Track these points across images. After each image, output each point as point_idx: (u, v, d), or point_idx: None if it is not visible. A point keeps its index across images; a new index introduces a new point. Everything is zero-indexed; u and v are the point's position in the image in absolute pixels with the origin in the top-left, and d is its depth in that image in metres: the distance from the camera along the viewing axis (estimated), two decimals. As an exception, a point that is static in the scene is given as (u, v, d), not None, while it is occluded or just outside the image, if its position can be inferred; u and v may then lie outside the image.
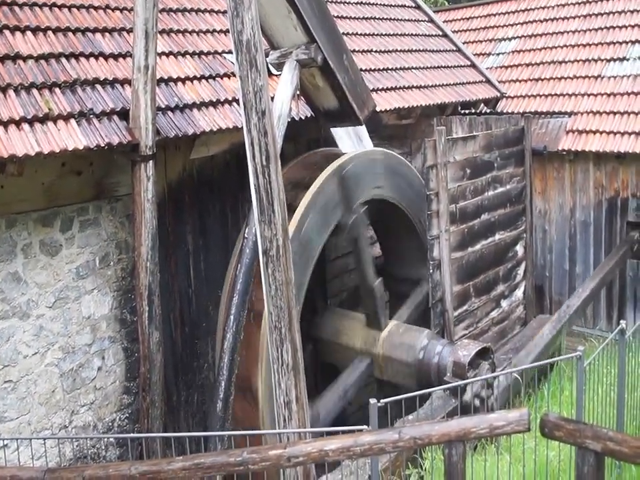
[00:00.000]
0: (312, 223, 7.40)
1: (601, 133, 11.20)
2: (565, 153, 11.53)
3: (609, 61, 12.10)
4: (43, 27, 6.83)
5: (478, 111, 12.50)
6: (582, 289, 10.43)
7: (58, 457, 6.51)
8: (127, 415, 7.40)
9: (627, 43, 12.13)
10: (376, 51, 10.80)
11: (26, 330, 6.48)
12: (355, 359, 8.48)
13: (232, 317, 6.63)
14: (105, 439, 7.17)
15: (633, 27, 12.28)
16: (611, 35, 12.44)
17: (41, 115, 6.07)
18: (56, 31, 6.93)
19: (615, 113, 11.29)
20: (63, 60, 6.71)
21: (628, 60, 11.85)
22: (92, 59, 6.98)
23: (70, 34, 7.04)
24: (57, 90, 6.41)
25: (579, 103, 11.85)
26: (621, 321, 6.66)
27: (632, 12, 12.50)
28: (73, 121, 6.28)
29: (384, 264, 9.57)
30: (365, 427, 4.93)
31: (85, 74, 6.73)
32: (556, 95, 12.27)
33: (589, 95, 11.85)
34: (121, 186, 7.14)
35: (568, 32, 13.12)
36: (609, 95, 11.59)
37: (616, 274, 11.07)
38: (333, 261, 9.78)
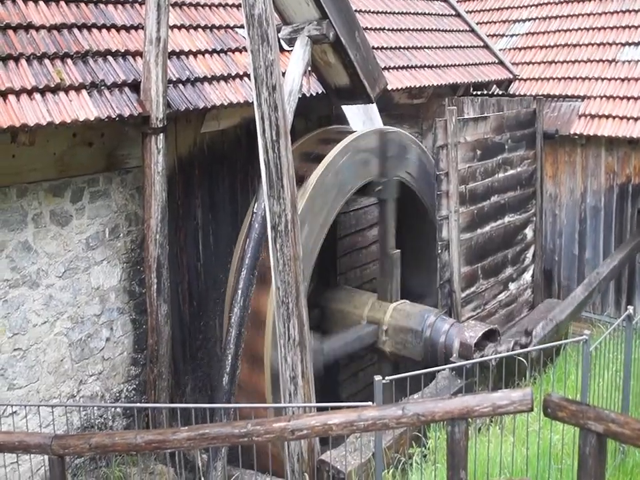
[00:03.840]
0: (346, 165, 7.75)
1: (614, 117, 11.08)
2: (576, 137, 11.43)
3: (624, 45, 11.93)
4: (55, -3, 6.81)
5: (490, 93, 12.42)
6: (610, 259, 10.39)
7: (65, 425, 6.58)
8: (134, 386, 7.47)
9: (643, 27, 11.98)
10: (388, 29, 10.71)
11: (36, 299, 6.53)
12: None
13: (240, 291, 6.67)
14: (112, 409, 7.24)
15: (649, 10, 12.13)
16: (627, 19, 12.26)
17: (53, 85, 6.07)
18: (68, 1, 6.91)
19: (628, 98, 11.15)
20: (75, 30, 6.70)
21: (644, 44, 11.71)
22: (104, 30, 6.97)
23: (82, 5, 7.02)
24: (69, 60, 6.41)
25: (592, 86, 11.73)
26: (629, 307, 6.65)
27: (649, -5, 12.33)
28: (84, 91, 6.29)
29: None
30: (369, 402, 4.97)
31: (96, 45, 6.73)
32: (569, 78, 12.13)
33: (602, 79, 11.71)
34: (131, 158, 7.15)
35: (583, 15, 12.94)
36: (622, 80, 11.45)
37: (628, 261, 11.01)
38: (342, 239, 9.79)
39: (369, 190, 8.34)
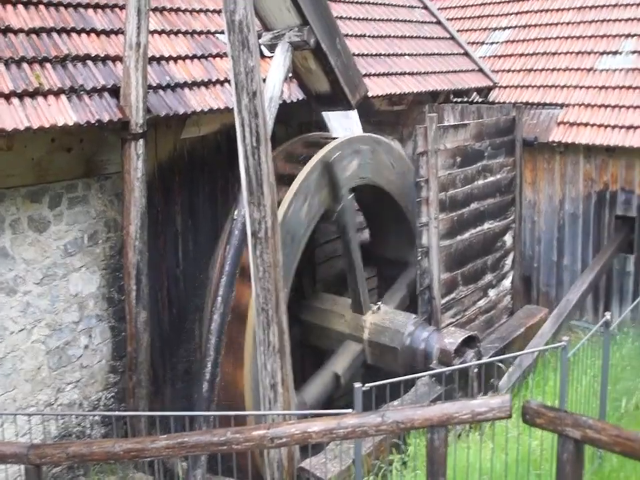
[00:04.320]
0: (297, 210, 7.40)
1: (592, 125, 11.21)
2: (555, 144, 11.54)
3: (601, 54, 12.08)
4: (34, 1, 6.78)
5: (470, 100, 12.50)
6: (580, 282, 10.48)
7: (43, 434, 6.51)
8: (113, 394, 7.41)
9: (620, 36, 12.10)
10: (369, 36, 10.76)
11: (13, 306, 6.46)
12: (343, 342, 8.52)
13: (220, 298, 6.63)
14: (90, 417, 7.18)
15: (626, 20, 12.24)
16: (605, 28, 12.42)
17: (31, 90, 6.03)
18: (48, 5, 6.88)
19: (606, 106, 11.29)
20: (55, 35, 6.66)
21: (621, 54, 11.83)
22: (83, 35, 6.94)
23: (62, 8, 6.98)
24: (48, 65, 6.37)
25: (571, 95, 11.85)
26: (606, 313, 6.71)
27: (626, 5, 12.45)
28: (63, 96, 6.25)
29: (373, 247, 9.59)
30: (349, 410, 4.96)
31: (76, 49, 6.69)
32: (548, 86, 12.25)
33: (580, 88, 11.84)
34: (110, 164, 7.11)
35: (562, 23, 13.09)
36: (600, 88, 11.59)
37: (608, 267, 11.14)
38: (322, 246, 9.79)
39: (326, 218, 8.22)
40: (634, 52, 11.69)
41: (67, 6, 7.04)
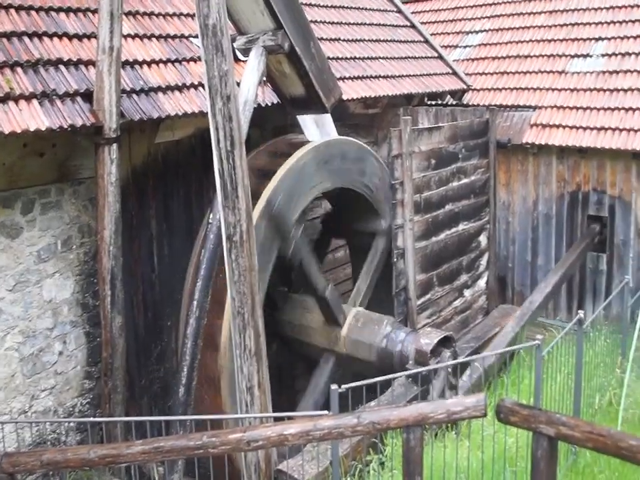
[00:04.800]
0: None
1: (564, 127, 11.36)
2: (528, 146, 11.68)
3: (572, 57, 12.25)
4: (4, 4, 6.69)
5: (444, 103, 12.60)
6: (544, 284, 10.60)
7: (16, 442, 6.44)
8: (89, 400, 7.35)
9: (590, 40, 12.29)
10: (343, 40, 10.81)
11: (-15, 313, 6.39)
12: (321, 359, 8.51)
13: (195, 302, 6.61)
14: (66, 424, 7.10)
15: (596, 24, 12.44)
16: (576, 32, 12.60)
17: (2, 95, 5.97)
18: (19, 8, 6.80)
19: (577, 108, 11.45)
20: (26, 39, 6.60)
21: (591, 57, 12.02)
22: (55, 39, 6.87)
23: (33, 12, 6.91)
24: (19, 69, 6.30)
25: (543, 97, 12.00)
26: (579, 312, 6.81)
27: (596, 9, 12.65)
28: (35, 101, 6.19)
29: (343, 219, 9.42)
30: (325, 412, 4.98)
31: (48, 54, 6.63)
32: (521, 88, 12.40)
33: (552, 90, 12.00)
34: (84, 169, 7.06)
35: (534, 27, 13.25)
36: (572, 90, 11.76)
37: (577, 267, 11.28)
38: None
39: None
40: (604, 55, 11.87)
41: (38, 10, 6.97)
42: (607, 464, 6.06)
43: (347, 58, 10.41)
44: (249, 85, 6.97)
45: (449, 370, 7.64)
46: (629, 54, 11.57)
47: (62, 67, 6.68)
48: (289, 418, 4.88)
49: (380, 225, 8.86)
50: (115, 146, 6.74)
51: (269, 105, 8.29)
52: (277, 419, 5.37)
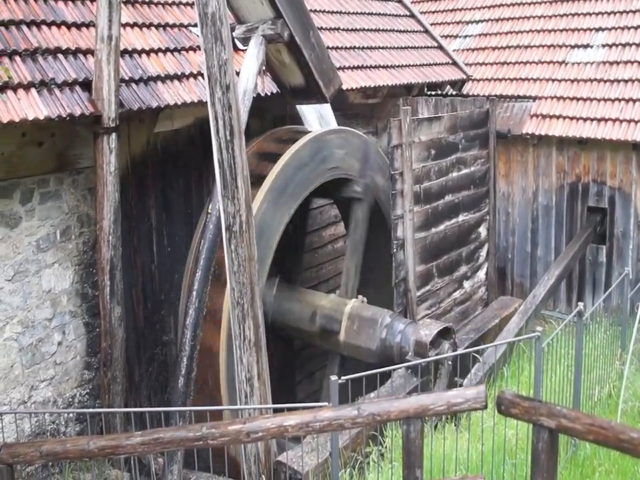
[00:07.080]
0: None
1: (564, 118, 11.32)
2: (528, 136, 11.63)
3: (573, 47, 12.19)
4: (2, -7, 6.64)
5: (444, 93, 12.55)
6: (547, 277, 10.58)
7: (16, 433, 6.43)
8: (88, 390, 7.34)
9: (591, 30, 12.21)
10: (343, 29, 10.74)
11: (-17, 304, 6.37)
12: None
13: (195, 293, 6.60)
14: (65, 415, 7.09)
15: (597, 14, 12.36)
16: (576, 22, 12.53)
17: (0, 84, 5.91)
18: (17, -3, 6.75)
19: (577, 99, 11.40)
20: (24, 27, 6.54)
21: (592, 47, 11.95)
22: (54, 28, 6.82)
23: (31, 1, 6.85)
24: (17, 58, 6.25)
25: (543, 87, 11.95)
26: (579, 303, 6.80)
27: (596, 0, 12.62)
28: (33, 90, 6.14)
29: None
30: (325, 403, 4.97)
31: (46, 43, 6.58)
32: (521, 79, 12.33)
33: (553, 80, 11.94)
34: (83, 158, 7.02)
35: (534, 17, 13.18)
36: (572, 81, 11.70)
37: (577, 259, 11.27)
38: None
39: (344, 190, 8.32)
40: (604, 45, 11.80)
41: (36, -2, 6.92)
42: (606, 456, 6.07)
43: (346, 47, 10.35)
44: (249, 75, 6.93)
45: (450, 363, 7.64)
46: (629, 44, 11.50)
47: (60, 56, 6.63)
48: (289, 409, 4.87)
49: (353, 191, 8.81)
50: (114, 135, 6.70)
51: (269, 94, 8.24)
52: (276, 410, 5.37)
